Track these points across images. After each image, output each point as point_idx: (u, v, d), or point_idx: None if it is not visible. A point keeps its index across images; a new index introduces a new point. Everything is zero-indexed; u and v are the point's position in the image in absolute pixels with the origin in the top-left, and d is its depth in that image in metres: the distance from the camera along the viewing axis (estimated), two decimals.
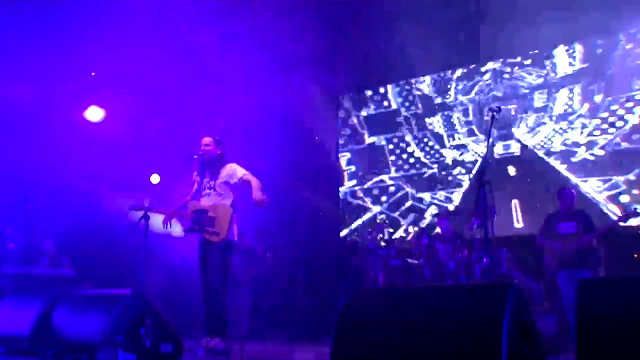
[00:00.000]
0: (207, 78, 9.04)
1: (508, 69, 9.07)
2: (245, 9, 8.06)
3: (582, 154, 8.23)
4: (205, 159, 5.44)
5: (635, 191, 7.75)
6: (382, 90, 10.40)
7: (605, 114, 8.14)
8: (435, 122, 9.70)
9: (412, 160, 9.87)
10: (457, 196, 9.29)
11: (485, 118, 8.94)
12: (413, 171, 9.82)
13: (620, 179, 7.89)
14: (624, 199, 7.80)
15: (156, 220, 5.40)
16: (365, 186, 10.35)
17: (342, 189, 10.60)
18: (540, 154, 8.56)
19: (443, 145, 9.58)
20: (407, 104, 10.09)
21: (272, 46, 8.85)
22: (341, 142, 10.79)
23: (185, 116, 9.15)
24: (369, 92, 10.55)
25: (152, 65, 8.48)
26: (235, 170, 5.37)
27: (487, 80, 9.25)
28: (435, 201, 9.46)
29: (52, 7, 7.44)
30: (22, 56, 7.84)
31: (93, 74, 8.65)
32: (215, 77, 9.07)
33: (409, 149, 9.93)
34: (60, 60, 7.96)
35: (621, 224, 6.36)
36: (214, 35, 8.31)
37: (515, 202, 8.50)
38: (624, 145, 7.93)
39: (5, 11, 7.37)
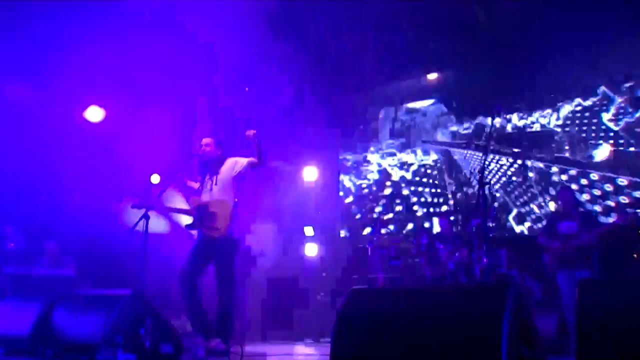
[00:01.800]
0: (206, 78, 9.03)
1: None
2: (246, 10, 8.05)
3: None
4: (205, 159, 5.49)
5: None
6: None
7: None
8: None
9: None
10: None
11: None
12: None
13: None
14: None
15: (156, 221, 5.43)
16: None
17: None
18: None
19: None
20: None
21: (273, 45, 8.85)
22: None
23: (185, 116, 9.15)
24: None
25: (151, 65, 8.47)
26: (237, 160, 5.43)
27: None
28: None
29: (52, 6, 7.43)
30: (22, 56, 7.83)
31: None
32: (215, 76, 9.06)
33: None
34: (61, 60, 7.95)
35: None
36: (214, 34, 8.30)
37: None
38: None
39: (5, 11, 7.37)
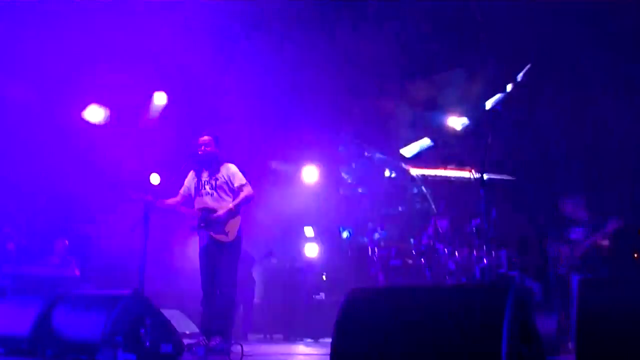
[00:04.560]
0: (206, 78, 9.03)
1: None
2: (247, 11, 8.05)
3: None
4: (204, 158, 5.47)
5: None
6: None
7: None
8: None
9: None
10: None
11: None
12: None
13: None
14: None
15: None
16: None
17: None
18: None
19: None
20: None
21: (271, 47, 8.85)
22: None
23: (185, 116, 9.16)
24: None
25: (152, 65, 8.48)
26: (235, 175, 5.43)
27: None
28: None
29: (52, 6, 7.44)
30: (23, 56, 7.84)
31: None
32: (214, 76, 9.07)
33: None
34: (61, 60, 7.95)
35: None
36: (214, 34, 8.31)
37: None
38: None
39: (5, 11, 7.37)
